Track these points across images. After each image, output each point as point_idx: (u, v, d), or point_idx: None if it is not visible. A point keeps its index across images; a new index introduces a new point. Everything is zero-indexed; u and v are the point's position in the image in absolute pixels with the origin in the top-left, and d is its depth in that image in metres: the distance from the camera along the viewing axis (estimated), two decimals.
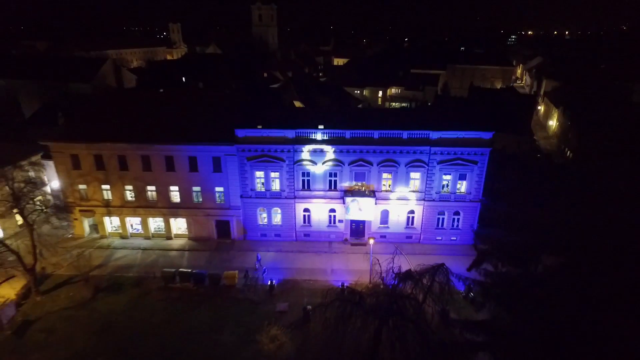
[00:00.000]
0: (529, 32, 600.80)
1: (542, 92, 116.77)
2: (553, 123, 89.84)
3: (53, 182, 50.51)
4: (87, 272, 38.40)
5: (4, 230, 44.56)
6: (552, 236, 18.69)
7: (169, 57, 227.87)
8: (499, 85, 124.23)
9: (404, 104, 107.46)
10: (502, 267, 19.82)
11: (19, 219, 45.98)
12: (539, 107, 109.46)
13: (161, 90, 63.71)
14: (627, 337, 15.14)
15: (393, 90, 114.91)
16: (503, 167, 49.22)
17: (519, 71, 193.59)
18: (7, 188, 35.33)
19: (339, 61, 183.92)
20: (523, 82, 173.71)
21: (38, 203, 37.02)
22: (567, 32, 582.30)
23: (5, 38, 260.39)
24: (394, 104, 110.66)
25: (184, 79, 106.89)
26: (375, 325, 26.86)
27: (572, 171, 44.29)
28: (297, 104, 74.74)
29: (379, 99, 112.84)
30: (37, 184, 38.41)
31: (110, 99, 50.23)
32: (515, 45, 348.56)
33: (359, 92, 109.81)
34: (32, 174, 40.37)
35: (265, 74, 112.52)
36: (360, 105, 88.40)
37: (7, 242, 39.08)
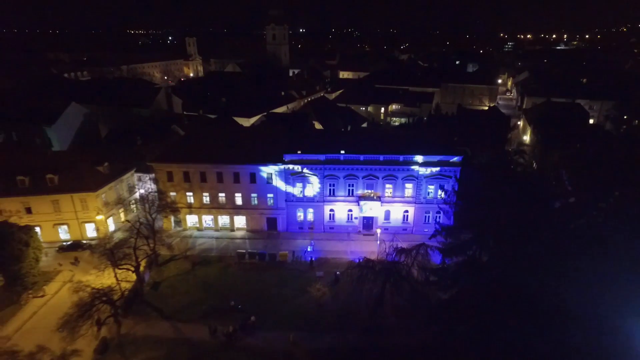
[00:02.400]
0: (528, 36, 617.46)
1: (523, 108, 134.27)
2: (527, 138, 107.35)
3: (141, 190, 68.55)
4: (184, 252, 56.05)
5: (114, 223, 62.47)
6: (470, 222, 36.11)
7: (186, 69, 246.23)
8: (486, 102, 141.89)
9: (402, 119, 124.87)
10: (450, 239, 37.34)
11: (122, 216, 64.11)
12: (519, 123, 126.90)
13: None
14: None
15: (393, 107, 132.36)
16: (478, 177, 66.38)
17: (509, 83, 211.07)
18: (141, 193, 52.92)
19: (344, 74, 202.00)
20: (512, 94, 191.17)
21: (155, 205, 54.54)
22: (565, 36, 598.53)
23: (28, 50, 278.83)
24: (394, 119, 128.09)
25: (208, 93, 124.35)
26: (381, 282, 44.24)
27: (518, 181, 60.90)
28: (317, 124, 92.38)
29: (382, 114, 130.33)
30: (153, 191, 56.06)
31: (191, 131, 68.12)
32: (511, 52, 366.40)
33: (364, 108, 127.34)
34: (150, 184, 58.17)
35: (283, 93, 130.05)
36: (365, 124, 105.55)
37: (116, 234, 57.40)
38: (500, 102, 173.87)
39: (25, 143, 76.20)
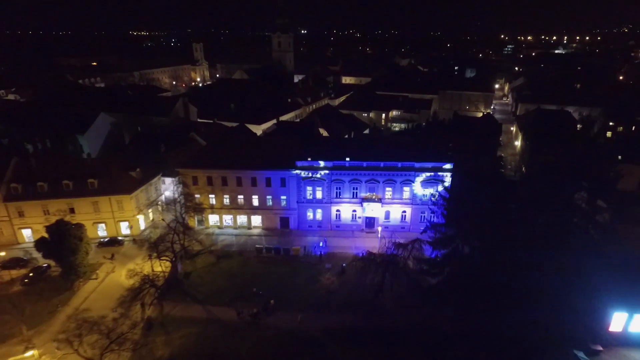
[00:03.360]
0: (529, 38, 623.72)
1: (517, 114, 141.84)
2: (518, 143, 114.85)
3: (166, 192, 76.45)
4: (209, 247, 63.75)
5: (145, 222, 70.32)
6: (455, 220, 43.64)
7: (193, 74, 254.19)
8: (482, 108, 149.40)
9: (402, 125, 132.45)
10: (437, 234, 44.97)
11: (151, 216, 71.99)
12: (512, 128, 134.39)
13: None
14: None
15: (394, 113, 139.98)
16: (463, 180, 73.67)
17: (506, 88, 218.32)
18: (166, 195, 60.68)
19: (346, 79, 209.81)
20: (508, 99, 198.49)
21: (183, 206, 62.27)
22: (565, 38, 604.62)
23: (40, 55, 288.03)
24: (394, 124, 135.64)
25: (220, 101, 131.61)
26: (382, 272, 51.76)
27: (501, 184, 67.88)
28: (322, 131, 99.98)
29: (382, 120, 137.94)
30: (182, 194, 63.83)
31: (213, 139, 76.04)
32: (510, 55, 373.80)
33: (366, 114, 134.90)
34: (175, 187, 65.95)
35: (289, 99, 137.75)
36: (367, 131, 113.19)
37: (146, 232, 65.22)
38: (497, 107, 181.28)
39: (58, 150, 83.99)
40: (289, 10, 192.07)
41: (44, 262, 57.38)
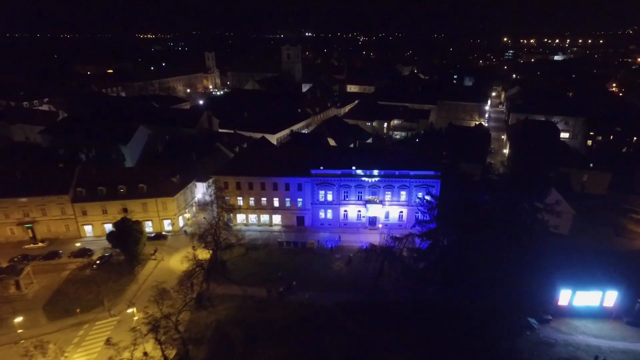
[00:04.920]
0: (531, 41, 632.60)
1: (508, 123, 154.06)
2: (507, 151, 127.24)
3: (199, 195, 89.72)
4: (239, 241, 76.67)
5: (183, 220, 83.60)
6: (436, 217, 56.24)
7: (205, 82, 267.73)
8: (476, 117, 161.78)
9: (402, 133, 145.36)
10: (424, 228, 57.76)
11: (187, 215, 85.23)
12: (503, 137, 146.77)
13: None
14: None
15: (395, 122, 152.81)
16: (460, 184, 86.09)
17: (502, 96, 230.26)
18: (199, 198, 73.86)
19: (351, 88, 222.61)
20: (503, 107, 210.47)
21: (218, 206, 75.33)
22: (567, 41, 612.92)
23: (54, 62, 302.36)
24: (396, 133, 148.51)
25: (237, 111, 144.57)
26: (381, 261, 64.34)
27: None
28: (331, 141, 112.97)
29: (385, 129, 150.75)
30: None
31: (241, 151, 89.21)
32: (510, 60, 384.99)
33: (369, 124, 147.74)
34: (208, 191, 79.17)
35: (299, 110, 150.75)
36: (370, 140, 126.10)
37: (184, 228, 78.44)
38: (492, 114, 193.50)
39: (103, 158, 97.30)
40: (297, 22, 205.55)
41: (104, 253, 70.66)
